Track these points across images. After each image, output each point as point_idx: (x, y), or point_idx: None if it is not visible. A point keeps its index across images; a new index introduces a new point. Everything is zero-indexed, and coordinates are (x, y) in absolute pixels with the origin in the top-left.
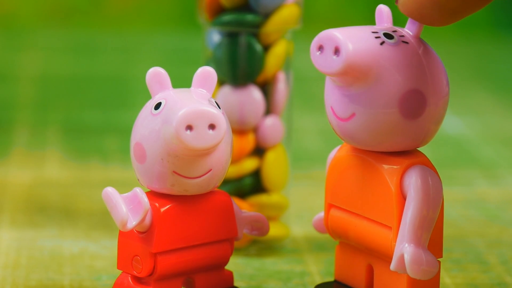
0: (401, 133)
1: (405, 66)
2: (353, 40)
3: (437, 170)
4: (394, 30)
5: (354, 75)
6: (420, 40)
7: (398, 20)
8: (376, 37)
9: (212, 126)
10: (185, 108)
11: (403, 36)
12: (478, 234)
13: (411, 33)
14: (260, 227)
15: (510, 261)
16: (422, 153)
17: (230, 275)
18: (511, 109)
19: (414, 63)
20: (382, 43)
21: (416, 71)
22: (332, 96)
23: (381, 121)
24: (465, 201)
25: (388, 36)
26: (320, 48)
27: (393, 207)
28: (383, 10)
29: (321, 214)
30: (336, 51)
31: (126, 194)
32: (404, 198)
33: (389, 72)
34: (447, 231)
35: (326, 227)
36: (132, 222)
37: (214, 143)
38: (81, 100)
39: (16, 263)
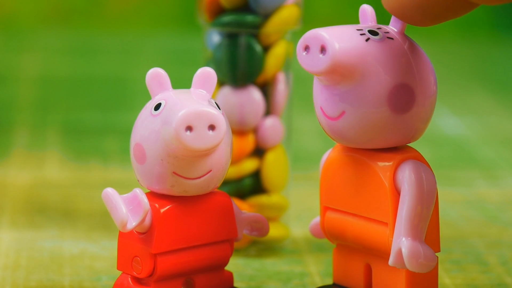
0: (391, 128)
1: (392, 61)
2: (338, 38)
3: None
4: (378, 27)
5: (341, 73)
6: (405, 36)
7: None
8: (361, 34)
9: (212, 127)
10: (185, 108)
11: (387, 32)
12: (478, 234)
13: (395, 30)
14: (260, 228)
15: (510, 261)
16: (413, 148)
17: (230, 276)
18: (511, 109)
19: (400, 57)
20: (367, 40)
21: (402, 65)
22: (321, 96)
23: (371, 117)
24: (465, 202)
25: (373, 32)
26: (306, 48)
27: (388, 203)
28: (366, 10)
29: (317, 219)
30: (322, 49)
31: (126, 195)
32: (398, 193)
33: (376, 68)
34: (447, 231)
35: (323, 230)
36: (132, 223)
37: (214, 144)
38: (81, 101)
39: (16, 264)
